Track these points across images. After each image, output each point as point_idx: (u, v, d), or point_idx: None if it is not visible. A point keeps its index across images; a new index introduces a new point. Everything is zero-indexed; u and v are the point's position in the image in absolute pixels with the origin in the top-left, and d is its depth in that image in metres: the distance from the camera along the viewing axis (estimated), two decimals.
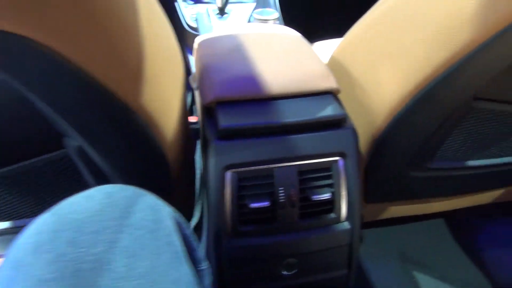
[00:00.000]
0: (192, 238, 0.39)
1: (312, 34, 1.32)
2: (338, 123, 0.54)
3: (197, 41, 0.69)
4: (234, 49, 0.61)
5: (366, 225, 1.04)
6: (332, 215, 0.58)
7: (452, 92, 0.47)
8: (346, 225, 0.58)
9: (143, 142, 0.47)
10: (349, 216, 0.57)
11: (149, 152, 0.49)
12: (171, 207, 0.38)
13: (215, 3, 1.08)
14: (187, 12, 1.12)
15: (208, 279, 0.41)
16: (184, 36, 1.08)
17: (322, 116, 0.52)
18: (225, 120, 0.51)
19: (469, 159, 0.66)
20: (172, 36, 0.57)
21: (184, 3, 1.16)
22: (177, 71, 0.57)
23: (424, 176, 0.66)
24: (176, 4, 1.15)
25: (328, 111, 0.53)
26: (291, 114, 0.52)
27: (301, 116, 0.51)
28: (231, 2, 1.13)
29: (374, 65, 0.55)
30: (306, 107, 0.53)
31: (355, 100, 0.61)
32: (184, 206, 0.69)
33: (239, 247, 0.54)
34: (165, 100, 0.49)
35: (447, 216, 1.06)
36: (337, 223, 0.58)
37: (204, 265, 0.40)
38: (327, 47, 1.01)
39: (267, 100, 0.55)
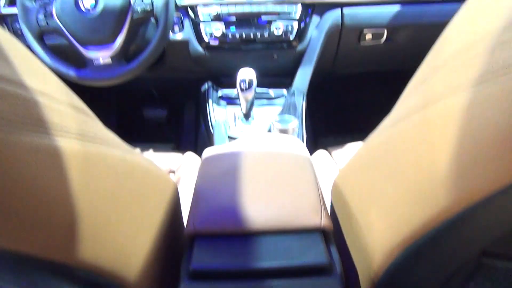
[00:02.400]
0: None
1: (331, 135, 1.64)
2: (322, 269, 0.47)
3: (204, 154, 0.69)
4: (232, 172, 0.60)
5: None
6: None
7: (449, 249, 0.37)
8: None
9: None
10: None
11: None
12: None
13: None
14: (217, 114, 1.15)
15: None
16: (210, 139, 1.10)
17: (302, 263, 0.46)
18: (198, 259, 0.47)
19: None
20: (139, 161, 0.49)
21: (215, 104, 1.18)
22: (152, 195, 0.52)
23: None
24: (207, 105, 1.17)
25: (310, 256, 0.47)
26: (270, 256, 0.48)
27: (280, 259, 0.47)
28: (259, 105, 1.14)
29: (366, 203, 0.48)
30: (289, 248, 0.49)
31: (353, 234, 0.52)
32: None
33: None
34: (126, 243, 0.42)
35: None
36: None
37: None
38: (343, 153, 1.01)
39: (249, 236, 0.50)
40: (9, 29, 1.17)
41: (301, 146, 0.71)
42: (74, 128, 0.32)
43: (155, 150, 1.66)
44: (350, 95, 1.80)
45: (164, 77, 1.35)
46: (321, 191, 0.60)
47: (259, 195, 0.55)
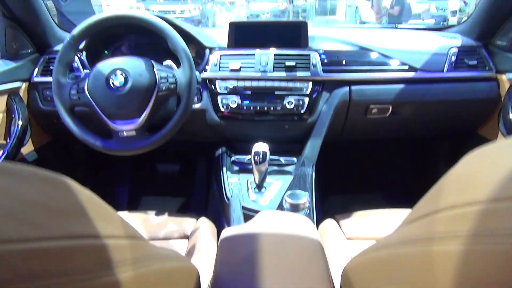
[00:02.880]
0: None
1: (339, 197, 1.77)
2: None
3: (223, 234, 0.72)
4: (249, 261, 0.63)
5: None
6: None
7: None
8: None
9: None
10: None
11: None
12: None
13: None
14: (231, 182, 1.20)
15: None
16: (225, 209, 1.13)
17: None
18: None
19: None
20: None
21: (229, 172, 1.24)
22: None
23: None
24: (221, 172, 1.23)
25: None
26: None
27: None
28: (270, 172, 1.20)
29: None
30: None
31: None
32: None
33: None
34: None
35: None
36: None
37: None
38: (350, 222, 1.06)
39: None
40: (39, 95, 1.26)
41: (312, 229, 0.76)
42: (129, 258, 0.38)
43: (169, 208, 1.71)
44: (356, 159, 1.87)
45: (180, 140, 1.43)
46: (332, 281, 0.64)
47: None
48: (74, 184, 0.35)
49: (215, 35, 1.33)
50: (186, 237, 1.04)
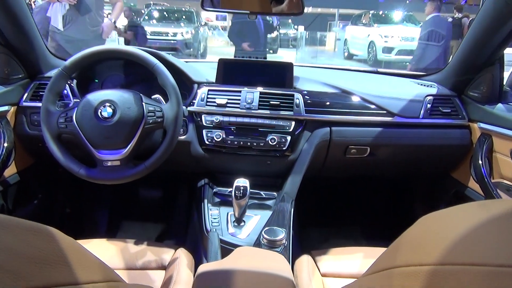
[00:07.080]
0: None
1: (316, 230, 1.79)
2: None
3: (199, 270, 0.72)
4: None
5: None
6: None
7: None
8: None
9: None
10: None
11: None
12: None
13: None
14: (211, 214, 1.21)
15: None
16: (204, 241, 1.14)
17: None
18: None
19: None
20: None
21: (210, 204, 1.25)
22: None
23: None
24: (202, 204, 1.25)
25: None
26: None
27: None
28: (252, 208, 1.22)
29: None
30: None
31: None
32: None
33: None
34: None
35: None
36: None
37: None
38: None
39: None
40: (27, 119, 1.27)
41: (286, 267, 0.78)
42: None
43: (148, 234, 1.70)
44: (334, 194, 1.92)
45: (163, 169, 1.46)
46: None
47: None
48: (57, 232, 0.37)
49: (204, 70, 1.38)
50: (164, 267, 1.05)
